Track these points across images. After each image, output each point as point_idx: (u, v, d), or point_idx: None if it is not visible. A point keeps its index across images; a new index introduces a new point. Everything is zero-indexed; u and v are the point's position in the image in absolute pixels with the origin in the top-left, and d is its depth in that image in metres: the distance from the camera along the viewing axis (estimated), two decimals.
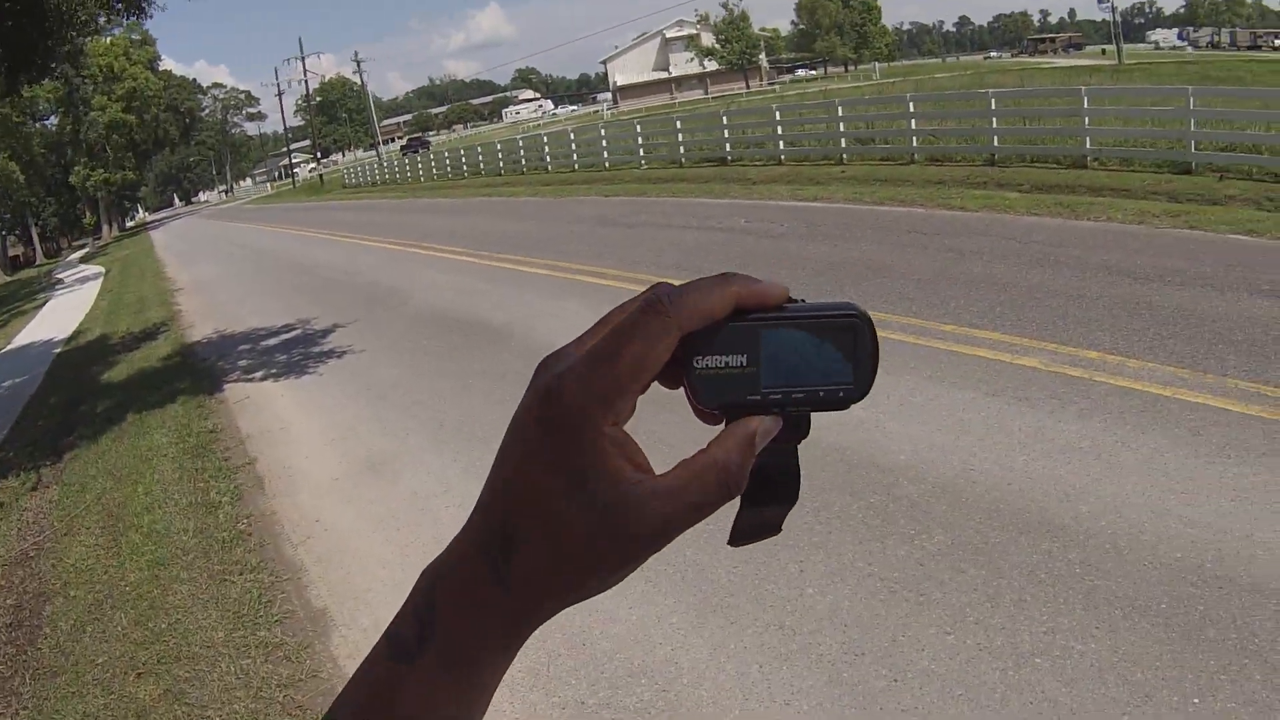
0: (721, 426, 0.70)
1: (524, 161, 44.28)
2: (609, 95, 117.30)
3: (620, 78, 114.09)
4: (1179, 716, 5.19)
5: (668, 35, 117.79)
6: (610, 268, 17.44)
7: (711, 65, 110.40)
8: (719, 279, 0.68)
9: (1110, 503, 7.13)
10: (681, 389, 0.70)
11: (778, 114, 29.24)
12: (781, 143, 28.67)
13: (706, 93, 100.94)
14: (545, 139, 43.71)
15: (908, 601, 6.40)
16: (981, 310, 11.98)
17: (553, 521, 0.65)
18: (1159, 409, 8.61)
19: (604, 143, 38.36)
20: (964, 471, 7.89)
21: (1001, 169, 21.83)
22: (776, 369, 0.69)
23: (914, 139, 24.87)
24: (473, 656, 0.69)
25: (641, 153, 35.27)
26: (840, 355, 0.70)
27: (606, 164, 37.13)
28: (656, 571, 7.03)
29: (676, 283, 0.68)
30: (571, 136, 41.48)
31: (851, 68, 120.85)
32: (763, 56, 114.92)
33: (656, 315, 0.65)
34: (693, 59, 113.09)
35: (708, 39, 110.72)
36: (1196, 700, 5.29)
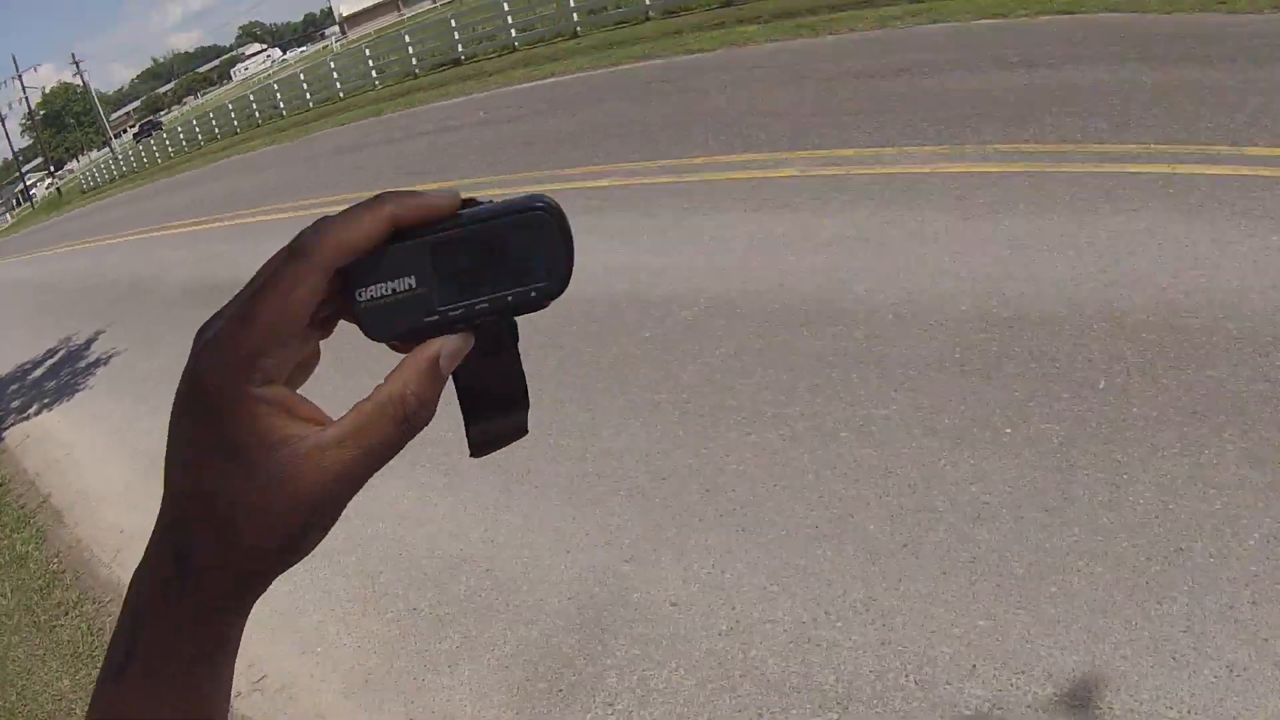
0: None
1: (258, 114, 42.90)
2: (336, 29, 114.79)
3: (345, 7, 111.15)
4: (994, 449, 5.42)
5: None
6: (349, 192, 16.83)
7: None
8: (370, 202, 0.62)
9: (886, 277, 7.37)
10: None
11: (505, 3, 28.54)
12: (513, 30, 28.07)
13: (435, 2, 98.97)
14: (275, 86, 42.29)
15: (703, 415, 6.42)
16: (731, 137, 11.98)
17: (216, 504, 0.61)
18: (922, 186, 8.79)
19: (335, 74, 37.27)
20: (737, 284, 7.99)
21: (739, 7, 21.67)
22: (452, 284, 0.64)
23: None
24: (176, 657, 0.64)
25: (375, 75, 34.37)
26: (527, 254, 0.64)
27: (340, 95, 36.17)
28: (454, 463, 6.93)
29: (395, 190, 0.63)
30: (301, 77, 40.22)
31: None
32: None
33: (295, 260, 0.60)
34: None
35: None
36: (1009, 430, 5.53)
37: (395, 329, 0.64)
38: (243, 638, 0.67)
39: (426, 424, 0.64)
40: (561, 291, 0.67)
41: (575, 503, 6.01)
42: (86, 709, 0.68)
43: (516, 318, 0.67)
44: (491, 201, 0.65)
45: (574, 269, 0.67)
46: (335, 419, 0.62)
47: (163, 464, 0.64)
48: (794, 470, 5.66)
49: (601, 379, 7.15)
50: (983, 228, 7.64)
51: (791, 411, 6.09)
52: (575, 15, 26.10)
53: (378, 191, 0.63)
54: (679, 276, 8.33)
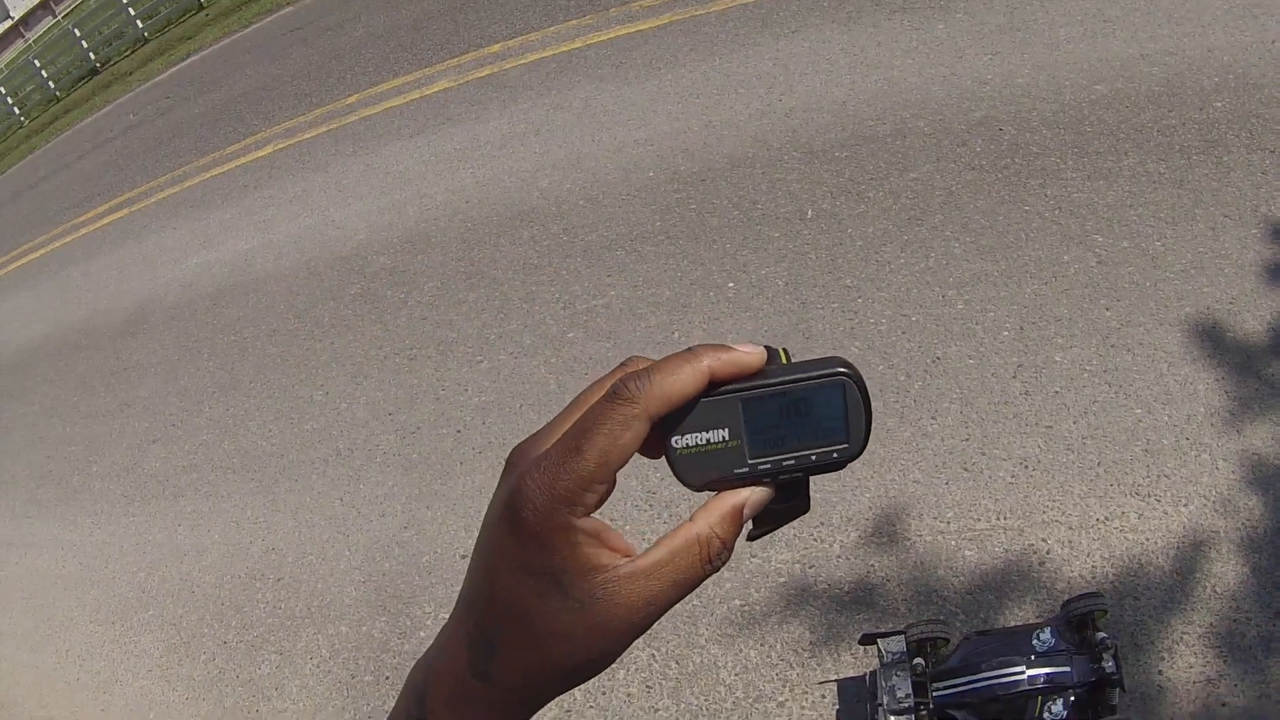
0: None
1: None
2: None
3: None
4: (723, 308, 5.40)
5: None
6: (39, 236, 15.62)
7: None
8: (687, 355, 0.66)
9: (568, 164, 7.22)
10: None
11: None
12: (139, 21, 26.57)
13: (55, 14, 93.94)
14: None
15: (430, 357, 6.27)
16: (376, 67, 11.56)
17: (532, 620, 0.65)
18: (577, 62, 8.65)
19: None
20: (422, 214, 7.75)
21: None
22: (762, 438, 0.67)
23: None
24: None
25: (16, 111, 32.21)
26: (829, 414, 0.67)
27: None
28: (212, 482, 6.67)
29: (645, 362, 0.66)
30: None
31: None
32: None
33: (622, 404, 0.63)
34: None
35: None
36: (732, 285, 5.51)
37: (708, 478, 0.67)
38: None
39: (723, 565, 0.68)
40: (860, 454, 0.68)
41: (337, 485, 5.83)
42: None
43: None
44: (789, 359, 0.68)
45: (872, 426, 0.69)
46: (640, 551, 0.66)
47: None
48: (534, 385, 5.58)
49: (323, 351, 6.90)
50: (648, 88, 7.56)
51: (513, 326, 5.98)
52: None
53: (691, 345, 0.66)
54: (365, 223, 8.04)
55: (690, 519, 0.67)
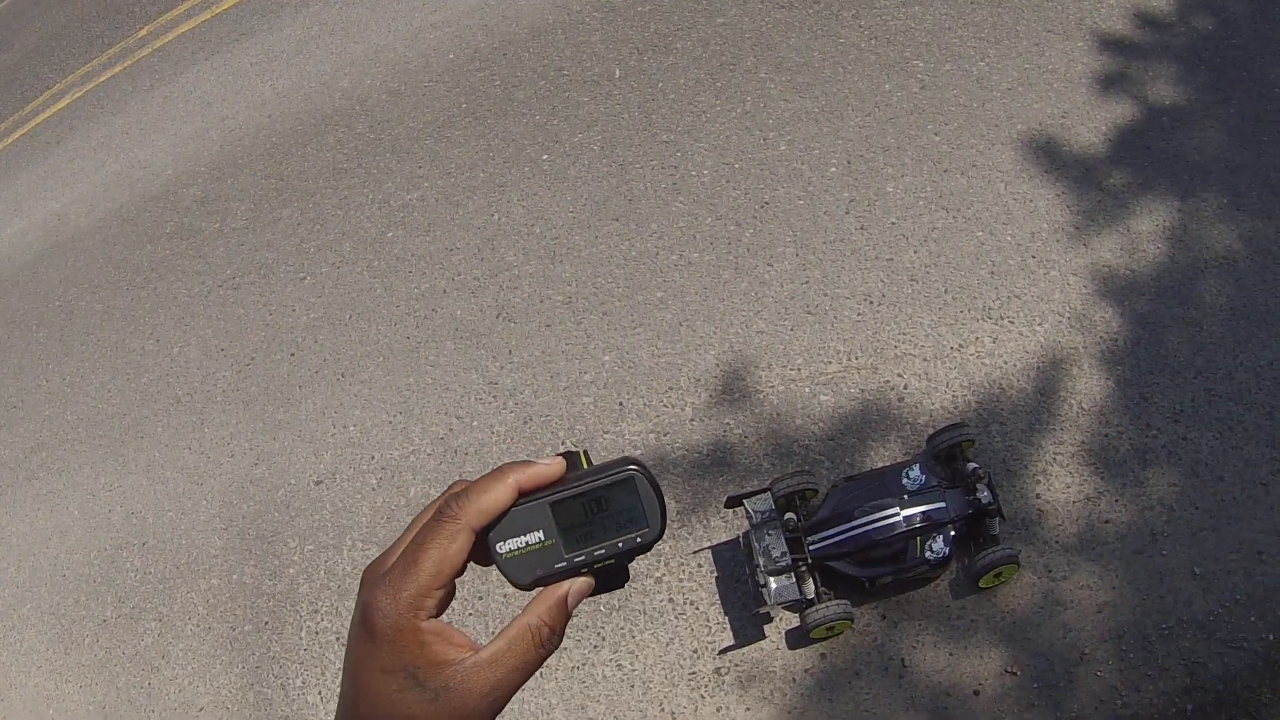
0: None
1: None
2: None
3: None
4: (541, 181, 5.31)
5: None
6: None
7: None
8: (496, 474, 0.80)
9: (366, 59, 6.91)
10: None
11: None
12: None
13: None
14: None
15: (253, 284, 6.05)
16: None
17: (392, 716, 0.76)
18: None
19: None
20: (227, 138, 7.35)
21: None
22: (573, 535, 0.80)
23: None
24: None
25: None
26: (627, 506, 0.80)
27: None
28: (64, 457, 6.32)
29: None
30: None
31: None
32: None
33: (447, 521, 0.77)
34: None
35: None
36: (546, 157, 5.37)
37: (533, 575, 0.80)
38: None
39: (556, 649, 0.80)
40: (661, 537, 0.81)
41: (182, 434, 5.60)
42: None
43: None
44: (589, 461, 0.82)
45: (668, 515, 0.82)
46: (482, 644, 0.78)
47: None
48: (361, 292, 5.38)
49: (147, 298, 6.58)
50: None
51: (332, 236, 5.75)
52: None
53: (499, 465, 0.80)
54: (171, 158, 7.56)
55: (522, 612, 0.79)
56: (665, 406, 4.28)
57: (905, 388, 3.99)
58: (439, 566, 0.75)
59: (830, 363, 4.11)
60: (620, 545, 0.79)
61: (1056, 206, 4.17)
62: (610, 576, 0.81)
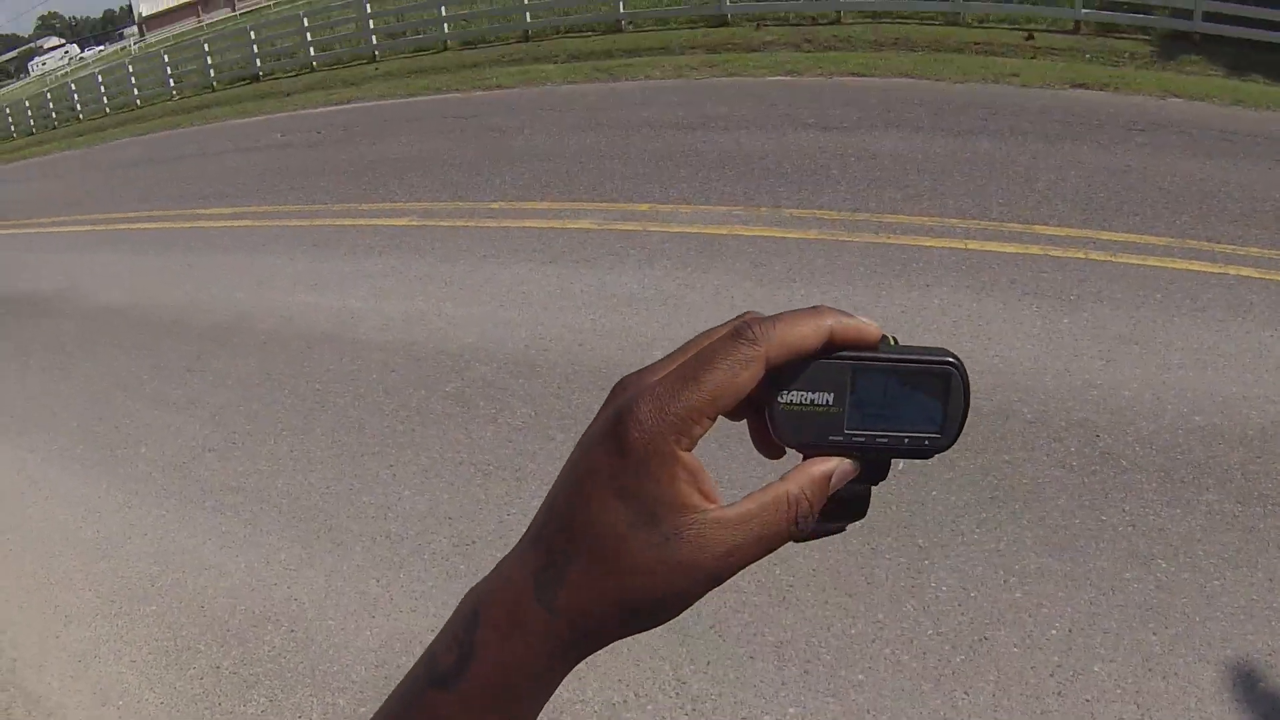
0: (786, 460, 0.69)
1: (54, 115, 40.17)
2: (135, 28, 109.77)
3: (145, 7, 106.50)
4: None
5: None
6: (156, 209, 16.11)
7: None
8: (812, 312, 0.66)
9: (684, 342, 6.97)
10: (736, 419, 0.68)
11: (305, 20, 27.87)
12: (312, 49, 27.38)
13: (234, 9, 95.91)
14: (73, 86, 39.75)
15: (504, 480, 6.34)
16: (528, 183, 12.02)
17: (612, 548, 0.63)
18: (718, 248, 8.92)
19: (133, 79, 35.36)
20: (534, 341, 7.92)
21: (537, 43, 21.91)
22: (863, 411, 0.67)
23: (445, 25, 24.43)
24: (513, 685, 0.66)
25: (172, 83, 32.91)
26: (929, 402, 0.68)
27: (138, 101, 34.30)
28: (254, 512, 6.64)
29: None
30: (99, 79, 37.96)
31: None
32: None
33: (744, 343, 0.63)
34: None
35: None
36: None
37: (802, 438, 0.67)
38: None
39: (807, 530, 0.66)
40: (950, 447, 0.69)
41: (379, 565, 5.87)
42: (390, 697, 0.71)
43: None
44: (898, 344, 0.68)
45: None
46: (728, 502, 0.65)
47: None
48: None
49: (402, 434, 7.00)
50: (779, 295, 7.79)
51: None
52: (374, 38, 25.73)
53: (815, 304, 0.66)
54: (478, 328, 8.24)
55: (782, 479, 0.66)
56: None
57: None
58: (721, 390, 0.62)
59: None
60: (905, 441, 0.68)
61: None
62: (871, 477, 0.69)
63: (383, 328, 8.60)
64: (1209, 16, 15.75)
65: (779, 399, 0.65)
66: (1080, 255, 8.06)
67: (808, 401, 0.65)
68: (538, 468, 6.32)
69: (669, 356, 0.66)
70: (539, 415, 6.84)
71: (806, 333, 0.64)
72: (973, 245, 8.34)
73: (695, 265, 8.61)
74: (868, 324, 0.66)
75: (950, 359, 0.67)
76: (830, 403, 0.66)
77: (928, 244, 8.46)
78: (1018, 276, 7.71)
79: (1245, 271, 7.65)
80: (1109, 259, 7.97)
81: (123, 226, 15.50)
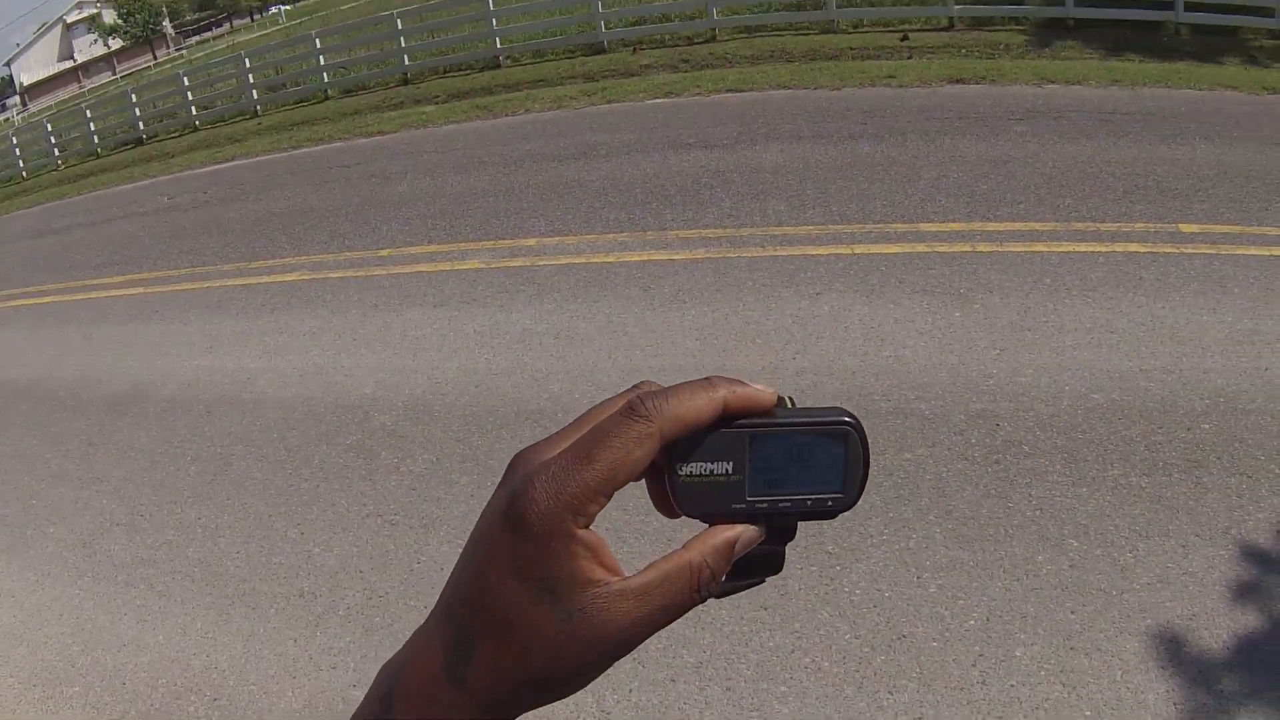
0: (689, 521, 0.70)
1: None
2: (17, 98, 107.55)
3: (26, 76, 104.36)
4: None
5: (69, 20, 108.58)
6: (49, 283, 15.83)
7: (117, 43, 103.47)
8: (704, 383, 0.66)
9: (581, 373, 7.55)
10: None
11: (185, 80, 27.58)
12: (194, 108, 27.06)
13: (115, 73, 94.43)
14: None
15: (412, 529, 6.39)
16: (414, 227, 12.09)
17: (517, 625, 0.64)
18: (607, 276, 9.08)
19: (17, 151, 34.60)
20: (431, 385, 8.01)
21: (416, 86, 21.98)
22: (763, 477, 0.68)
23: (325, 75, 24.42)
24: None
25: (57, 152, 32.32)
26: (829, 463, 0.69)
27: (24, 174, 33.56)
28: (167, 584, 6.60)
29: (658, 385, 0.67)
30: None
31: (258, 16, 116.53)
32: (167, 23, 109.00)
33: (638, 420, 0.63)
34: (96, 40, 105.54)
35: (110, 16, 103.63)
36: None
37: (705, 508, 0.67)
38: None
39: (711, 596, 0.67)
40: (853, 506, 0.69)
41: (295, 625, 5.88)
42: None
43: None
44: (794, 405, 0.69)
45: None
46: (629, 574, 0.66)
47: None
48: None
49: (307, 491, 7.04)
50: (671, 318, 7.97)
51: None
52: (255, 92, 25.55)
53: (707, 375, 0.67)
54: (374, 378, 8.30)
55: (684, 547, 0.66)
56: None
57: None
58: (615, 469, 0.62)
59: None
60: (809, 503, 0.68)
61: (1164, 702, 4.33)
62: (777, 539, 0.70)
63: (280, 385, 8.62)
64: (1081, 1, 16.21)
65: (679, 470, 0.66)
66: (967, 248, 8.33)
67: (707, 472, 0.66)
68: (443, 513, 6.39)
69: (563, 431, 0.67)
70: (441, 460, 6.90)
71: (700, 405, 0.65)
72: (859, 249, 8.57)
73: (586, 296, 8.75)
74: (761, 390, 0.67)
75: (847, 418, 0.68)
76: (730, 471, 0.67)
77: (814, 252, 8.68)
78: (906, 276, 7.95)
79: (1132, 247, 7.96)
80: (996, 249, 8.25)
81: (17, 303, 15.28)
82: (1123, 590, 4.85)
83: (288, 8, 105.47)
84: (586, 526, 0.63)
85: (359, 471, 7.08)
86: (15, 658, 6.40)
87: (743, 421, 0.66)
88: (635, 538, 5.45)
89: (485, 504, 0.66)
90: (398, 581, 5.95)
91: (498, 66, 21.41)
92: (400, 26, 22.93)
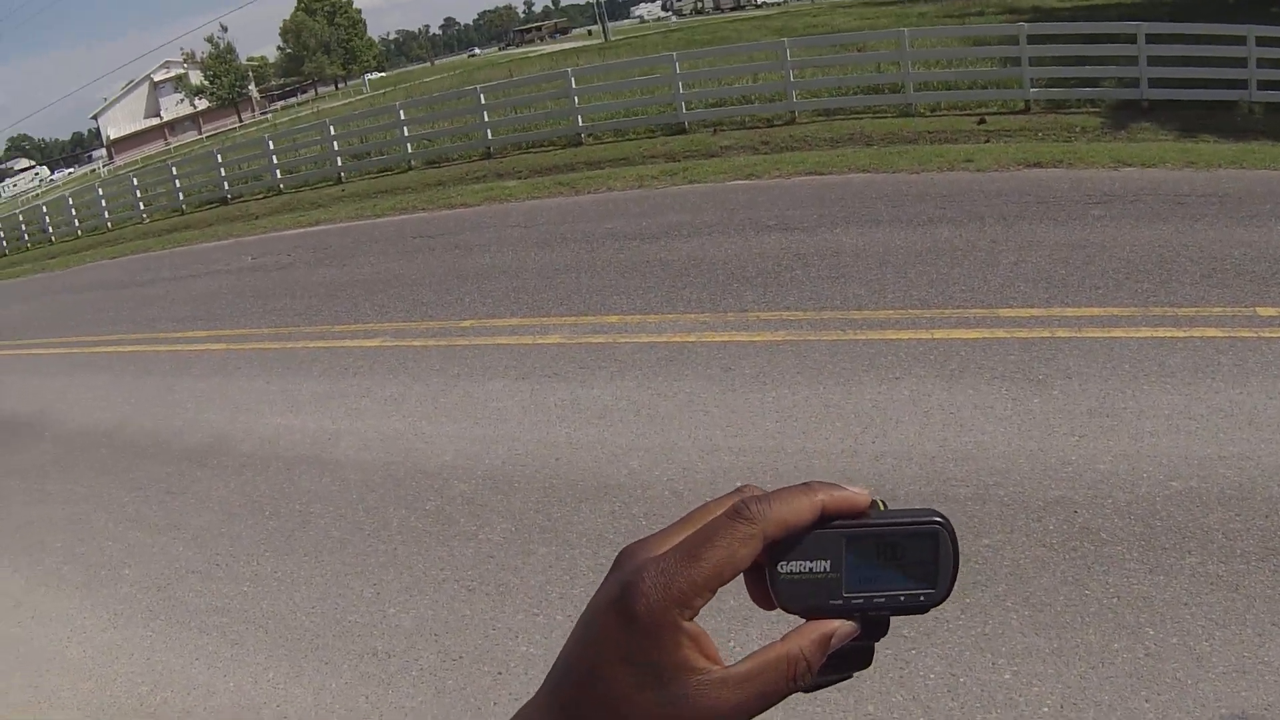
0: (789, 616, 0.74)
1: (27, 236, 40.04)
2: (103, 151, 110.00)
3: (113, 130, 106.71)
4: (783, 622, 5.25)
5: (156, 79, 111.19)
6: (132, 333, 16.13)
7: (203, 104, 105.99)
8: (804, 488, 0.71)
9: (660, 451, 7.53)
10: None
11: (270, 144, 28.23)
12: (279, 172, 27.71)
13: (200, 132, 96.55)
14: (44, 208, 39.63)
15: (488, 595, 6.39)
16: (497, 300, 12.26)
17: (623, 709, 0.68)
18: (687, 355, 9.14)
19: (103, 202, 35.40)
20: (511, 456, 8.05)
21: (499, 160, 22.38)
22: (858, 575, 0.72)
23: (408, 145, 24.99)
24: None
25: (142, 206, 33.04)
26: (921, 560, 0.74)
27: (109, 224, 34.31)
28: (240, 633, 6.63)
29: (762, 490, 0.72)
30: (70, 201, 37.92)
31: (342, 85, 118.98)
32: (253, 87, 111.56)
33: (743, 522, 0.68)
34: (183, 100, 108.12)
35: (196, 77, 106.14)
36: None
37: (804, 604, 0.71)
38: None
39: (806, 688, 0.72)
40: (944, 600, 0.74)
41: (368, 682, 5.88)
42: None
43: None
44: (887, 507, 0.74)
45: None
46: (730, 663, 0.70)
47: None
48: None
49: (385, 553, 7.06)
50: (751, 399, 7.98)
51: (576, 592, 6.13)
52: (340, 160, 26.09)
53: (806, 480, 0.71)
54: (454, 446, 8.36)
55: (782, 639, 0.71)
56: None
57: None
58: (720, 567, 0.67)
59: None
60: (902, 599, 0.73)
61: None
62: (871, 634, 0.74)
63: (361, 448, 8.71)
64: (1155, 83, 16.33)
65: (779, 569, 0.71)
66: (1046, 334, 8.30)
67: (806, 570, 0.71)
68: (520, 582, 6.39)
69: (671, 528, 0.71)
70: (519, 530, 6.92)
71: (801, 509, 0.69)
72: (939, 334, 8.58)
73: (666, 374, 8.80)
74: (857, 493, 0.72)
75: (938, 519, 0.73)
76: (828, 569, 0.71)
77: (894, 336, 8.69)
78: (985, 361, 7.93)
79: (1210, 332, 7.90)
80: (1074, 335, 8.22)
81: (99, 350, 15.54)
82: (1198, 679, 4.74)
83: (373, 77, 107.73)
84: (692, 619, 0.68)
85: (437, 537, 7.11)
86: (83, 691, 6.44)
87: (839, 522, 0.71)
88: (728, 624, 5.43)
89: (593, 591, 0.71)
90: (472, 646, 5.94)
91: (579, 144, 21.76)
92: (483, 101, 23.38)
